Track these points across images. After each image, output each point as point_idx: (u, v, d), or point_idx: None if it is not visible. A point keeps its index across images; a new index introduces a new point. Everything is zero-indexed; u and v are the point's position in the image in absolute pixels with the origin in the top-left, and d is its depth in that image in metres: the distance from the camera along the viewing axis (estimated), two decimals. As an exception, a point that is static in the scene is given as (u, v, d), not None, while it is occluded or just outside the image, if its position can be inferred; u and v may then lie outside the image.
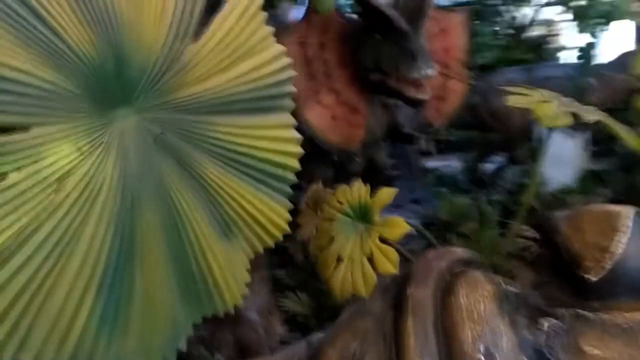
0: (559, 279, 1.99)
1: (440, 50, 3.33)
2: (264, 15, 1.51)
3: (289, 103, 1.58)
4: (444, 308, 1.70)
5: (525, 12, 5.73)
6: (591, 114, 2.15)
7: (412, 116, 3.39)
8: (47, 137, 1.09)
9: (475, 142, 5.37)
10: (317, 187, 2.48)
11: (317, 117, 3.12)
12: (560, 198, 3.36)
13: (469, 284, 1.79)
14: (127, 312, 1.22)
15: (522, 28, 5.60)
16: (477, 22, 5.75)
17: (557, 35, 6.32)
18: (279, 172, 1.54)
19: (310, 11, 3.02)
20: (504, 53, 5.34)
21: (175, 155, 1.33)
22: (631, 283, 1.80)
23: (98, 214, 1.14)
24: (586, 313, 1.72)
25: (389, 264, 1.76)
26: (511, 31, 5.44)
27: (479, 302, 1.73)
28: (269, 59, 1.49)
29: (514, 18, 5.83)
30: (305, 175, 3.83)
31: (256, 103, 1.46)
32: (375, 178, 4.02)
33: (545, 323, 1.71)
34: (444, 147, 5.49)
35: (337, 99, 3.16)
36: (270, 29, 1.53)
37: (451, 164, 5.45)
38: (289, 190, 1.62)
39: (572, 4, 5.82)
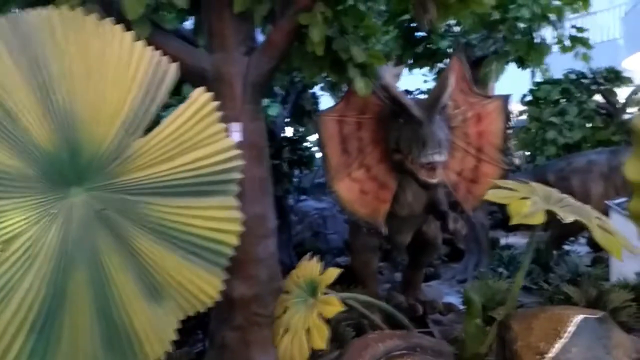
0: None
1: (474, 135, 3.39)
2: (217, 115, 1.83)
3: (233, 188, 1.86)
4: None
5: (618, 92, 5.42)
6: (569, 214, 2.12)
7: (449, 195, 3.48)
8: (1, 207, 1.52)
9: (551, 224, 5.19)
10: (306, 261, 2.67)
11: (347, 189, 3.36)
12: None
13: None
14: (55, 351, 1.55)
15: (614, 108, 5.29)
16: (565, 100, 5.57)
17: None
18: (215, 247, 1.81)
19: (351, 92, 3.32)
20: (592, 133, 5.09)
21: (112, 227, 1.68)
22: None
23: (36, 270, 1.52)
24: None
25: (320, 340, 1.92)
26: (603, 111, 5.18)
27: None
28: (217, 151, 1.80)
29: (608, 97, 5.53)
30: (356, 242, 4.08)
31: (197, 187, 1.77)
32: (426, 250, 4.10)
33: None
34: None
35: (368, 174, 3.37)
36: (221, 126, 1.86)
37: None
38: (225, 262, 1.88)
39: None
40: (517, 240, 5.80)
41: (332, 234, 6.23)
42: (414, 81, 6.55)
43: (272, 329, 2.72)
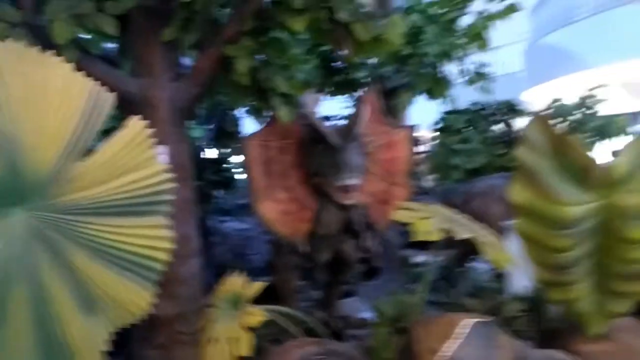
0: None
1: (386, 161, 3.70)
2: (150, 141, 1.97)
3: (164, 208, 2.00)
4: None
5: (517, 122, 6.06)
6: (464, 232, 2.42)
7: (363, 215, 3.75)
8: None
9: (456, 243, 5.61)
10: (231, 277, 2.81)
11: (270, 210, 3.53)
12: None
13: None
14: (-5, 362, 1.60)
15: (512, 137, 5.90)
16: (470, 128, 6.13)
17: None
18: (147, 263, 1.93)
19: (274, 119, 3.51)
20: (494, 159, 5.63)
21: (51, 245, 1.76)
22: None
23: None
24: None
25: (244, 347, 2.08)
26: (502, 139, 5.75)
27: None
28: (150, 175, 1.93)
29: (507, 126, 6.14)
30: (278, 261, 4.23)
31: (131, 208, 1.89)
32: (343, 268, 4.34)
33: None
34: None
35: (290, 196, 3.57)
36: (154, 152, 2.00)
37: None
38: (156, 277, 2.00)
39: (570, 118, 6.09)
40: (428, 258, 6.21)
41: (254, 255, 6.32)
42: (335, 107, 6.88)
43: (194, 347, 2.82)
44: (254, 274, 5.93)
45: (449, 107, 6.64)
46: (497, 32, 5.29)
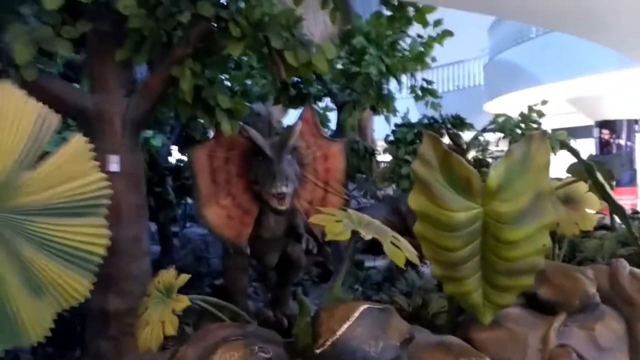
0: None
1: (322, 171, 4.09)
2: (91, 154, 2.34)
3: (102, 211, 2.35)
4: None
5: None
6: (369, 233, 2.80)
7: (304, 220, 4.12)
8: None
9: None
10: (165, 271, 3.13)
11: (215, 215, 3.88)
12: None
13: (227, 348, 2.42)
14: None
15: (460, 150, 6.35)
16: (418, 141, 6.57)
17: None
18: (86, 256, 2.30)
19: (220, 132, 3.86)
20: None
21: (5, 242, 2.12)
22: (352, 357, 2.38)
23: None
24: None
25: (171, 328, 2.44)
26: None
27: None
28: (90, 182, 2.29)
29: (454, 139, 6.60)
30: (228, 263, 4.56)
31: (73, 210, 2.25)
32: (291, 269, 4.69)
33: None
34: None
35: (233, 202, 3.92)
36: (94, 163, 2.36)
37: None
38: (94, 268, 2.36)
39: (513, 132, 6.57)
40: (382, 263, 6.62)
41: (213, 258, 6.64)
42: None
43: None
44: (212, 276, 6.28)
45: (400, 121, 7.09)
46: (462, 47, 5.77)
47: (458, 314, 3.13)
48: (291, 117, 6.15)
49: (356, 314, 2.40)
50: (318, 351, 2.38)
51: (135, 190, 3.56)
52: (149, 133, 5.27)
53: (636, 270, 3.39)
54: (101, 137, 3.27)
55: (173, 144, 6.50)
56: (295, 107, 5.98)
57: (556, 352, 2.88)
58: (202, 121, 6.47)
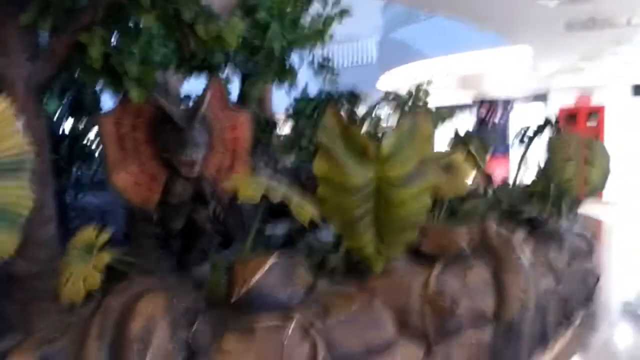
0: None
1: (230, 140, 4.30)
2: (14, 116, 2.37)
3: (27, 173, 2.42)
4: (128, 311, 2.54)
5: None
6: (277, 196, 3.10)
7: (211, 186, 4.31)
8: None
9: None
10: (86, 229, 3.23)
11: (123, 181, 3.95)
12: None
13: (150, 297, 2.63)
14: None
15: (354, 123, 6.83)
16: (316, 114, 6.97)
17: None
18: (12, 216, 2.37)
19: (126, 98, 3.90)
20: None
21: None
22: (264, 302, 2.69)
23: None
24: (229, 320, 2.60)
25: (93, 282, 2.59)
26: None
27: (149, 307, 2.57)
28: (14, 145, 2.34)
29: (350, 113, 7.07)
30: (133, 230, 4.61)
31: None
32: (196, 235, 4.86)
33: (196, 325, 2.58)
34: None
35: (141, 169, 4.01)
36: (18, 125, 2.39)
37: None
38: (20, 225, 2.43)
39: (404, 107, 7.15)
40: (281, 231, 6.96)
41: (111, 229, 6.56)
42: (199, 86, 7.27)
43: (50, 302, 3.21)
44: (111, 245, 6.23)
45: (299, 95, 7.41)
46: (357, 26, 6.13)
47: (354, 266, 3.56)
48: (190, 86, 6.18)
49: (267, 266, 2.72)
50: (233, 299, 2.68)
51: (40, 157, 3.54)
52: (42, 98, 5.08)
53: (501, 228, 4.05)
54: (3, 101, 3.21)
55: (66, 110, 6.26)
56: (196, 77, 6.03)
57: (434, 296, 3.43)
58: (94, 89, 6.33)
